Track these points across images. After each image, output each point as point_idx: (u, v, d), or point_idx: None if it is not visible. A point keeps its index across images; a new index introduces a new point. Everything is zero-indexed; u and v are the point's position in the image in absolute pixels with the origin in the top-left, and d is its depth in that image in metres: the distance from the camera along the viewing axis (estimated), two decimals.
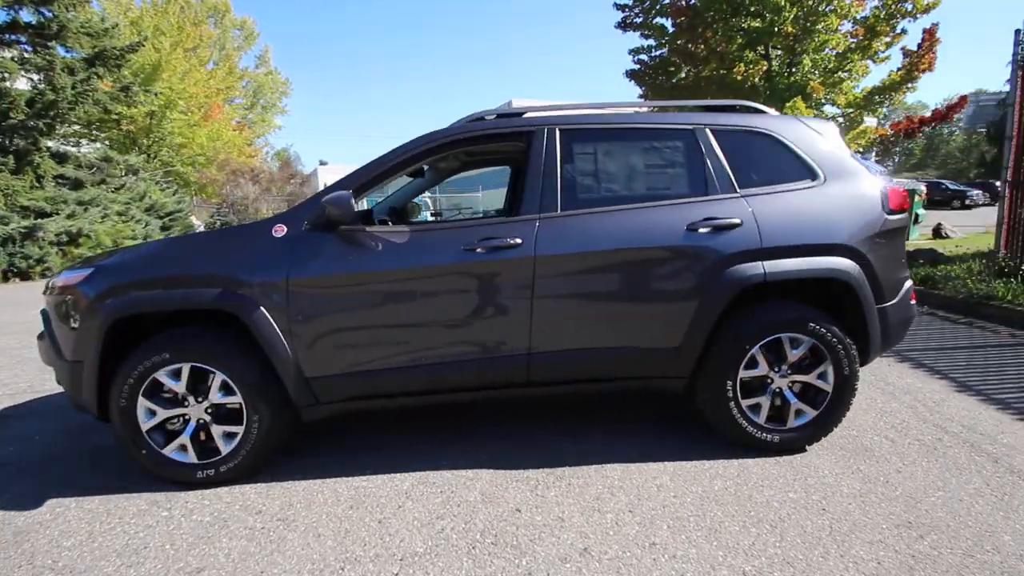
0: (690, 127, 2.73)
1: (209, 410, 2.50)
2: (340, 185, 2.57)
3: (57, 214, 13.84)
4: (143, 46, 16.88)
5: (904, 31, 12.51)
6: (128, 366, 2.42)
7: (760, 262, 2.56)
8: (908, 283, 2.89)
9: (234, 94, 25.34)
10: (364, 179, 2.59)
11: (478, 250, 2.46)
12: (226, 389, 2.47)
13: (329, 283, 2.44)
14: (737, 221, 2.57)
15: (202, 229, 18.36)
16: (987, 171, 38.69)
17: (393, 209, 3.63)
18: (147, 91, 18.89)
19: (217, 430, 2.51)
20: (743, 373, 2.65)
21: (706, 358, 2.63)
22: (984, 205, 27.24)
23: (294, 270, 2.42)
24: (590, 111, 2.77)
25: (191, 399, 2.48)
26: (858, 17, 12.56)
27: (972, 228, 14.52)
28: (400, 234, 2.51)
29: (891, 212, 2.76)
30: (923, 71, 12.45)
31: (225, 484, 2.55)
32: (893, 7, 12.24)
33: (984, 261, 6.80)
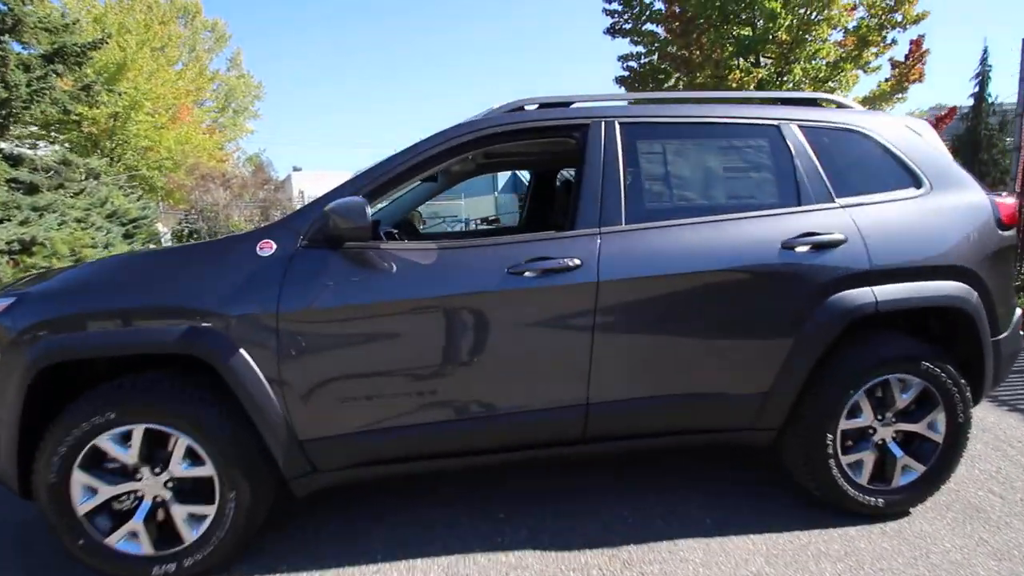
0: (775, 122, 2.24)
1: (170, 485, 1.89)
2: (345, 190, 2.00)
3: (9, 220, 12.74)
4: (107, 43, 15.90)
5: (894, 41, 12.47)
6: (60, 429, 1.81)
7: (869, 287, 2.08)
8: (1019, 311, 2.46)
9: (204, 96, 24.33)
10: (376, 182, 2.02)
11: (527, 274, 1.92)
12: (193, 457, 1.87)
13: (335, 317, 1.87)
14: (841, 237, 2.09)
15: (169, 236, 17.34)
16: None
17: (402, 220, 3.05)
18: (110, 91, 17.81)
19: (180, 511, 1.89)
20: (844, 423, 2.16)
21: (800, 406, 2.14)
22: None
23: (287, 300, 1.84)
24: (651, 104, 2.27)
25: (145, 471, 1.87)
26: (849, 27, 12.48)
27: None
28: (425, 252, 1.96)
29: (1003, 228, 2.32)
30: (913, 81, 12.42)
31: None
32: (883, 17, 12.20)
33: None
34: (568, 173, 3.51)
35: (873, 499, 2.20)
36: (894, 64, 12.70)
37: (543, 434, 2.04)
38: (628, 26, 13.63)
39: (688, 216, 2.08)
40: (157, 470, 1.87)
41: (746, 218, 2.09)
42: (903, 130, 2.36)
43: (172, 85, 20.56)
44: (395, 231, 2.72)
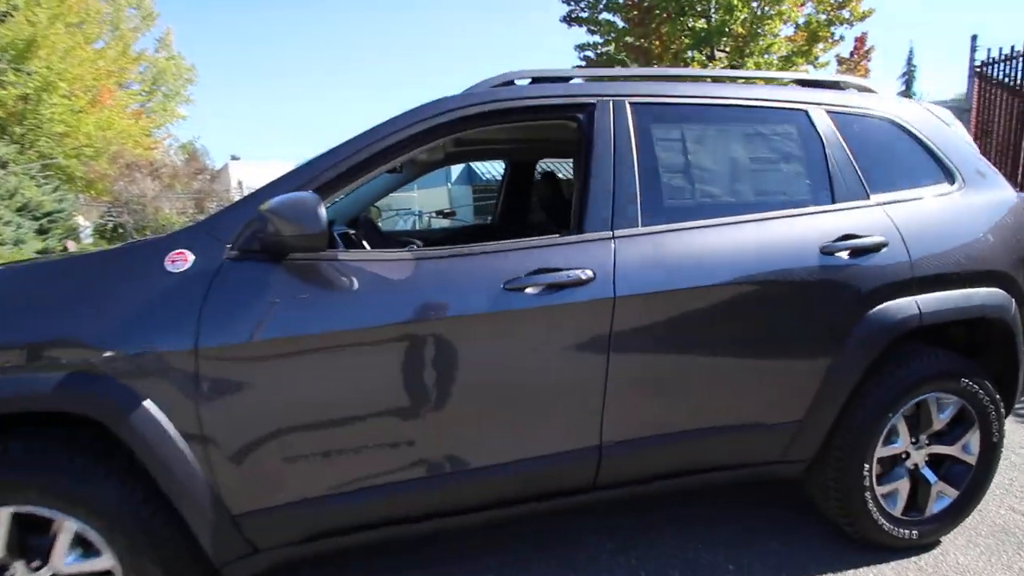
0: (803, 106, 1.95)
1: None
2: (288, 182, 1.54)
3: None
4: (12, 16, 14.33)
5: (842, 38, 12.77)
6: None
7: (912, 297, 1.82)
8: None
9: (129, 78, 22.42)
10: (331, 174, 1.56)
11: (528, 290, 1.54)
12: (84, 547, 1.39)
13: (276, 352, 1.42)
14: (882, 239, 1.82)
15: (91, 231, 15.87)
16: None
17: (361, 218, 2.57)
18: (18, 70, 16.10)
19: None
20: (881, 450, 1.91)
21: (834, 433, 1.87)
22: None
23: (210, 332, 1.37)
24: (662, 81, 1.91)
25: (18, 568, 1.37)
26: (800, 22, 12.67)
27: None
28: (396, 264, 1.53)
29: None
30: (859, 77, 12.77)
31: None
32: (832, 14, 12.45)
33: None
34: (547, 164, 3.14)
35: (907, 531, 1.97)
36: (840, 60, 13.02)
37: (545, 485, 1.67)
38: (585, 14, 13.37)
39: (713, 215, 1.75)
40: (36, 566, 1.37)
41: (779, 218, 1.78)
42: (932, 118, 2.12)
43: (91, 65, 18.80)
44: (352, 232, 2.27)
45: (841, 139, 1.93)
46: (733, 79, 2.06)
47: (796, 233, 1.77)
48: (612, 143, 1.71)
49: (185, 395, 1.36)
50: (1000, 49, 7.40)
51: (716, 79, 2.00)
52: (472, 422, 1.56)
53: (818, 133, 1.91)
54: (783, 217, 1.79)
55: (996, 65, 7.36)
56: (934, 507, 2.02)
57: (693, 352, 1.68)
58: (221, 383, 1.38)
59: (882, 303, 1.78)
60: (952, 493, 2.03)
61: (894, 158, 2.03)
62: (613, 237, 1.63)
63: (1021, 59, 6.97)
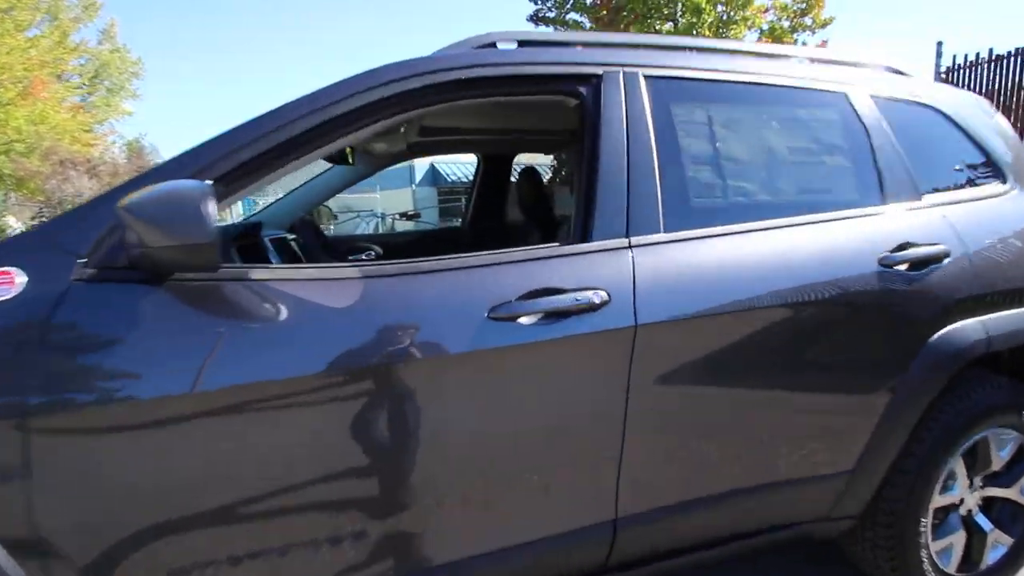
0: (841, 88, 1.62)
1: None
2: (178, 169, 1.08)
3: None
4: None
5: (804, 43, 12.92)
6: None
7: (979, 318, 1.51)
8: None
9: (66, 69, 21.01)
10: (241, 155, 1.10)
11: (522, 319, 1.14)
12: None
13: (150, 416, 0.97)
14: (944, 248, 1.50)
15: (21, 231, 14.67)
16: None
17: (299, 223, 2.07)
18: None
19: None
20: (938, 499, 1.60)
21: (888, 482, 1.54)
22: None
23: (46, 389, 0.93)
24: (680, 51, 1.55)
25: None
26: (764, 28, 12.79)
27: None
28: (335, 286, 1.10)
29: None
30: None
31: None
32: (795, 20, 12.63)
33: None
34: (526, 159, 2.76)
35: None
36: None
37: (545, 572, 1.27)
38: (552, 14, 13.15)
39: (749, 218, 1.40)
40: None
41: (828, 221, 1.44)
42: (977, 109, 1.84)
43: (22, 54, 17.45)
44: (291, 238, 1.82)
45: (888, 128, 1.61)
46: (750, 52, 1.70)
47: (851, 241, 1.43)
48: (625, 124, 1.33)
49: (9, 475, 0.90)
50: (966, 56, 7.48)
51: (718, 51, 1.62)
52: (440, 505, 1.15)
53: (861, 120, 1.59)
54: (832, 220, 1.45)
55: (962, 71, 7.42)
56: (989, 558, 1.72)
57: (734, 393, 1.32)
58: (67, 458, 0.93)
59: (947, 325, 1.47)
60: (1007, 541, 1.74)
61: (941, 152, 1.74)
62: (630, 246, 1.25)
63: (987, 65, 7.04)
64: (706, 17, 11.50)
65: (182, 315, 0.99)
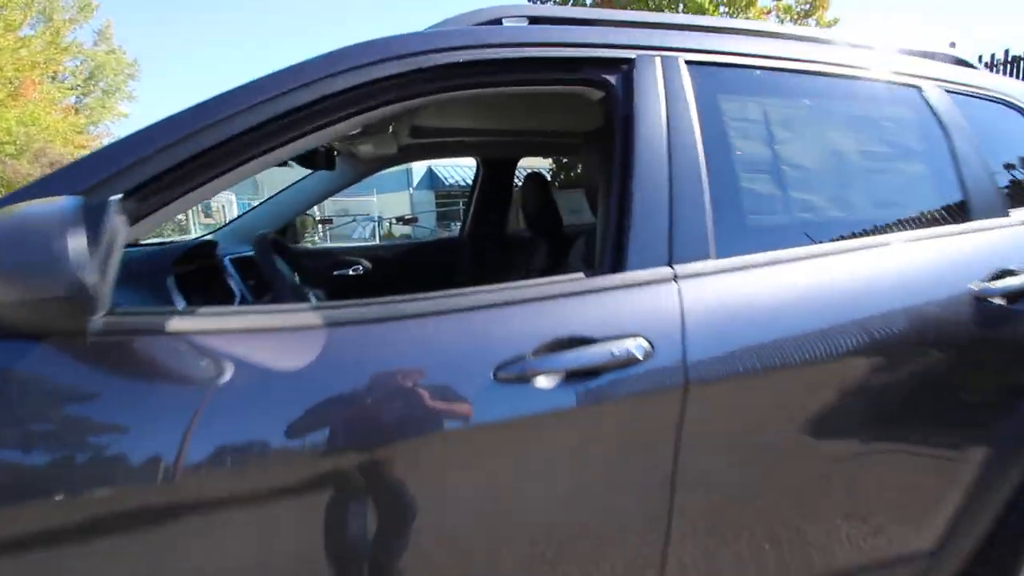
0: (915, 81, 1.35)
1: None
2: (57, 181, 0.78)
3: None
4: None
5: None
6: None
7: None
8: None
9: (59, 70, 20.75)
10: (160, 162, 0.79)
11: (539, 381, 0.85)
12: None
13: (41, 524, 0.69)
14: None
15: None
16: None
17: (257, 241, 1.61)
18: None
19: None
20: None
21: (977, 561, 1.27)
22: None
23: None
24: (726, 33, 1.27)
25: None
26: None
27: None
28: (284, 338, 0.82)
29: None
30: None
31: None
32: (799, 22, 12.48)
33: None
34: (529, 165, 2.48)
35: None
36: None
37: None
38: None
39: (817, 239, 1.13)
40: None
41: (910, 242, 1.17)
42: None
43: (12, 54, 17.16)
44: (273, 257, 1.54)
45: (969, 129, 1.35)
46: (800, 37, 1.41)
47: (940, 269, 1.16)
48: (664, 121, 1.06)
49: None
50: (980, 57, 7.22)
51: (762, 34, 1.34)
52: None
53: (940, 120, 1.32)
54: (916, 241, 1.18)
55: None
56: None
57: (806, 464, 1.04)
58: None
59: None
60: None
61: (1020, 156, 1.47)
62: (675, 277, 0.97)
63: (1003, 66, 6.80)
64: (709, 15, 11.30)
65: (64, 384, 0.71)
